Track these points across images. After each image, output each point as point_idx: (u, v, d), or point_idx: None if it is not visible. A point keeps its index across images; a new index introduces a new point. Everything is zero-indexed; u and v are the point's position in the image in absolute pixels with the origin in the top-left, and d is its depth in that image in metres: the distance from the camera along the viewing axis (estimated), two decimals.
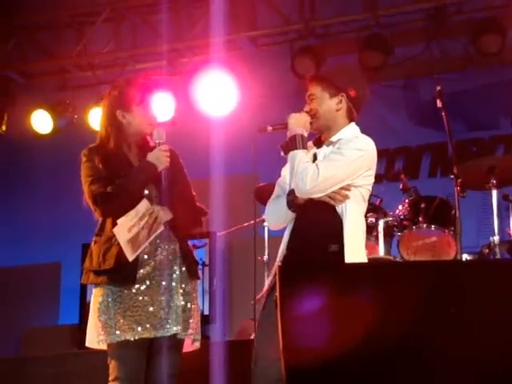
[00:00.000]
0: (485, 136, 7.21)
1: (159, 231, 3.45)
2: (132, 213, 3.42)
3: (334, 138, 3.46)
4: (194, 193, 3.65)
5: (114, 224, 3.44)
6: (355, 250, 3.31)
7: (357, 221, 3.38)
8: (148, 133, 3.58)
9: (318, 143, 3.52)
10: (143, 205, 3.44)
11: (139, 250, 3.41)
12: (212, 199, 5.72)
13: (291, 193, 3.39)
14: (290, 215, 3.42)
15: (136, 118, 3.57)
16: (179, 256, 3.52)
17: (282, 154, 3.45)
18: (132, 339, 3.36)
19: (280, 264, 3.28)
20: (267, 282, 3.50)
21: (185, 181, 3.62)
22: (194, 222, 3.66)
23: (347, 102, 3.48)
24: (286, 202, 3.40)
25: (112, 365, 3.40)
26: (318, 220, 3.36)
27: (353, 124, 3.51)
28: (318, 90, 3.48)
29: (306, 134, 3.43)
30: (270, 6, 7.12)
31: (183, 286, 3.49)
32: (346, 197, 3.34)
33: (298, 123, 3.43)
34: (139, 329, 3.37)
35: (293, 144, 3.38)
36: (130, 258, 3.39)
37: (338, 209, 3.34)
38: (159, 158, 3.49)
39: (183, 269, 3.52)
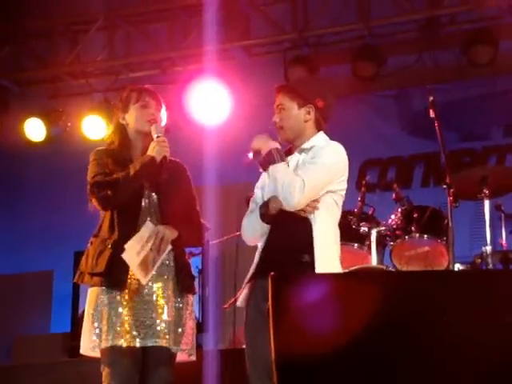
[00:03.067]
0: (477, 146, 7.23)
1: (167, 250, 3.45)
2: (137, 237, 3.40)
3: (306, 145, 3.49)
4: (198, 208, 3.63)
5: (113, 227, 3.43)
6: (326, 261, 3.32)
7: (328, 230, 3.39)
8: (147, 131, 3.57)
9: (289, 153, 3.53)
10: (147, 227, 3.42)
11: (151, 273, 3.41)
12: (205, 208, 5.72)
13: (263, 206, 3.40)
14: (266, 228, 3.42)
15: (132, 116, 3.59)
16: (173, 268, 3.51)
17: (261, 170, 3.46)
18: (124, 345, 3.35)
19: (271, 273, 3.28)
20: (244, 291, 3.49)
21: (190, 196, 3.60)
22: (196, 239, 3.66)
23: (315, 113, 3.51)
24: (259, 216, 3.41)
25: (105, 372, 3.39)
26: (290, 231, 3.38)
27: (321, 133, 3.54)
28: (287, 100, 3.51)
29: (279, 146, 3.44)
30: (263, 15, 7.14)
31: (175, 299, 3.48)
32: (315, 208, 3.36)
33: (266, 141, 3.43)
34: (129, 336, 3.36)
35: (271, 158, 3.39)
36: (144, 281, 3.39)
37: (310, 219, 3.36)
38: (156, 149, 3.49)
39: (179, 281, 3.51)
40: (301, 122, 3.50)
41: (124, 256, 3.38)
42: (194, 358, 3.55)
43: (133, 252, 3.38)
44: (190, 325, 3.53)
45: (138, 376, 3.42)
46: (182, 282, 3.51)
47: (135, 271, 3.38)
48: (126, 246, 3.38)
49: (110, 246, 3.42)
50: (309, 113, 3.50)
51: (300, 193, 3.31)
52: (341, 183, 3.47)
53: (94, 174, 3.51)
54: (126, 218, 3.47)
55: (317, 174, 3.37)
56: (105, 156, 3.56)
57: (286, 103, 3.51)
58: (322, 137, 3.52)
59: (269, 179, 3.43)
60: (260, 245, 3.47)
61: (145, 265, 3.39)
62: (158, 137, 3.53)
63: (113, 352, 3.36)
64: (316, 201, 3.37)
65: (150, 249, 3.40)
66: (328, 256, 3.36)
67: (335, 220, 3.48)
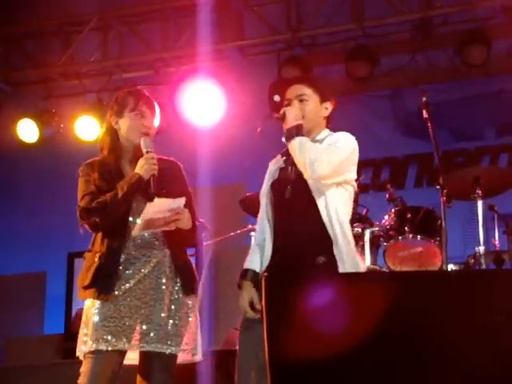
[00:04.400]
0: (470, 147, 7.25)
1: (165, 229, 3.42)
2: (169, 201, 3.39)
3: (319, 137, 3.46)
4: (194, 207, 3.60)
5: (103, 240, 3.43)
6: (350, 259, 3.27)
7: (346, 225, 3.33)
8: (137, 142, 3.53)
9: (288, 154, 3.47)
10: (180, 202, 3.40)
11: (145, 233, 3.41)
12: (199, 208, 5.71)
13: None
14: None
15: (126, 124, 3.55)
16: (172, 269, 3.49)
17: (284, 140, 3.41)
18: (104, 349, 3.33)
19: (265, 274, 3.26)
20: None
21: (187, 195, 3.54)
22: (191, 238, 3.63)
23: (330, 111, 3.51)
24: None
25: (82, 371, 3.37)
26: (303, 232, 3.31)
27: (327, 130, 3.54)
28: (310, 91, 3.47)
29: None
30: (257, 15, 7.14)
31: (173, 300, 3.45)
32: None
33: (299, 113, 3.41)
34: (113, 340, 3.34)
35: (299, 131, 3.34)
36: (135, 233, 3.39)
37: (324, 217, 3.30)
38: (144, 167, 3.46)
39: (177, 283, 3.49)
40: (319, 116, 3.48)
41: (148, 204, 3.38)
42: (198, 357, 3.53)
43: (155, 208, 3.38)
44: (191, 325, 3.49)
45: (116, 379, 3.39)
46: (183, 282, 3.49)
47: (140, 221, 3.37)
48: (156, 200, 3.38)
49: (97, 259, 3.42)
50: (327, 109, 3.50)
51: (328, 164, 3.26)
52: (353, 173, 3.43)
53: (81, 194, 3.49)
54: (115, 231, 3.46)
55: (341, 153, 3.33)
56: (91, 171, 3.52)
57: (310, 94, 3.47)
58: (330, 132, 3.52)
59: (293, 150, 3.34)
60: (268, 243, 3.39)
61: (149, 223, 3.38)
62: (147, 152, 3.49)
63: (91, 354, 3.34)
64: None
65: (164, 217, 3.38)
66: (351, 254, 3.30)
67: (349, 214, 3.42)
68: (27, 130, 7.63)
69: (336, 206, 3.32)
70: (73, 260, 7.16)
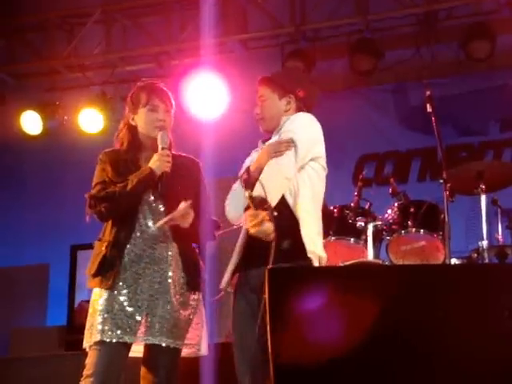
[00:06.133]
0: (474, 141, 7.23)
1: (170, 221, 3.43)
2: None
3: (279, 129, 3.51)
4: (205, 205, 3.60)
5: (112, 230, 3.45)
6: (312, 242, 3.31)
7: (309, 208, 3.37)
8: (155, 136, 3.55)
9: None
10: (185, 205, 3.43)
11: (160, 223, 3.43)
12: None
13: (244, 173, 3.42)
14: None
15: (141, 120, 3.58)
16: (178, 263, 3.49)
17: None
18: (110, 341, 3.34)
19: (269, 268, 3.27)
20: (228, 276, 3.48)
21: (204, 194, 3.58)
22: (209, 236, 3.65)
23: (296, 103, 3.56)
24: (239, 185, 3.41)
25: (87, 363, 3.39)
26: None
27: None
28: (268, 91, 3.59)
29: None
30: (260, 9, 7.13)
31: (178, 294, 3.46)
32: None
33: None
34: (118, 332, 3.35)
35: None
36: (159, 224, 3.42)
37: (290, 199, 3.34)
38: (156, 163, 3.48)
39: (183, 278, 3.50)
40: (281, 112, 3.56)
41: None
42: (202, 352, 3.56)
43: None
44: (196, 320, 3.51)
45: (121, 370, 3.40)
46: (188, 277, 3.50)
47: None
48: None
49: (103, 248, 3.44)
50: (289, 103, 3.56)
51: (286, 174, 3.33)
52: (318, 149, 3.46)
53: (94, 183, 3.54)
54: (124, 221, 3.48)
55: (291, 156, 3.35)
56: (108, 160, 3.55)
57: (267, 94, 3.58)
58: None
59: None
60: (243, 228, 3.43)
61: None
62: (162, 148, 3.51)
63: (96, 345, 3.35)
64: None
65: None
66: (313, 238, 3.34)
67: (317, 194, 3.46)
68: (31, 122, 7.64)
69: (300, 189, 3.37)
70: (76, 252, 7.17)
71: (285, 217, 3.30)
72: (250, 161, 3.56)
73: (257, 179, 3.32)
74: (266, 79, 3.66)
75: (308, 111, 3.56)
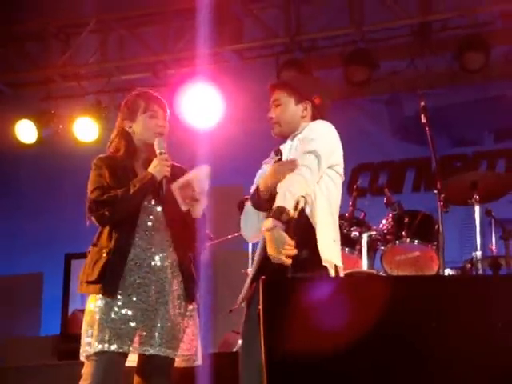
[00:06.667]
0: (468, 152, 7.26)
1: (183, 207, 3.44)
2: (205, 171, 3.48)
3: (296, 136, 3.45)
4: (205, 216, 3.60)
5: (111, 236, 3.43)
6: (327, 250, 3.28)
7: (325, 218, 3.32)
8: (152, 142, 3.55)
9: (280, 153, 3.49)
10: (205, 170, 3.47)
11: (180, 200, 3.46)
12: None
13: (254, 194, 3.37)
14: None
15: (140, 127, 3.57)
16: (177, 273, 3.49)
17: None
18: (109, 351, 3.32)
19: (262, 277, 3.26)
20: (244, 291, 3.47)
21: None
22: (199, 246, 3.64)
23: (312, 110, 3.49)
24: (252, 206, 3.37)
25: (84, 373, 3.37)
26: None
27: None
28: (284, 95, 3.48)
29: None
30: (256, 19, 7.15)
31: (176, 304, 3.46)
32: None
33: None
34: (117, 342, 3.33)
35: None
36: (174, 186, 3.45)
37: (307, 208, 3.27)
38: (157, 168, 3.48)
39: (180, 288, 3.49)
40: (297, 118, 3.48)
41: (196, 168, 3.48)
42: (198, 363, 3.55)
43: (198, 171, 3.50)
44: (192, 331, 3.50)
45: (120, 380, 3.39)
46: (186, 288, 3.50)
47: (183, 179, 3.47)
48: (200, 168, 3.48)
49: (104, 255, 3.42)
50: (306, 109, 3.49)
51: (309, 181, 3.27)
52: (336, 157, 3.40)
53: (92, 187, 3.50)
54: (124, 228, 3.46)
55: (314, 161, 3.30)
56: (105, 166, 3.54)
57: (283, 99, 3.48)
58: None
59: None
60: (260, 242, 3.40)
61: (186, 184, 3.45)
62: (160, 153, 3.51)
63: (95, 355, 3.33)
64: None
65: (194, 188, 3.46)
66: (330, 247, 3.30)
67: (334, 202, 3.40)
68: (26, 131, 7.64)
69: (317, 197, 3.32)
70: (70, 261, 7.16)
71: (302, 225, 3.24)
72: (260, 174, 3.51)
73: (266, 200, 3.29)
74: (282, 83, 3.60)
75: (322, 118, 3.50)
